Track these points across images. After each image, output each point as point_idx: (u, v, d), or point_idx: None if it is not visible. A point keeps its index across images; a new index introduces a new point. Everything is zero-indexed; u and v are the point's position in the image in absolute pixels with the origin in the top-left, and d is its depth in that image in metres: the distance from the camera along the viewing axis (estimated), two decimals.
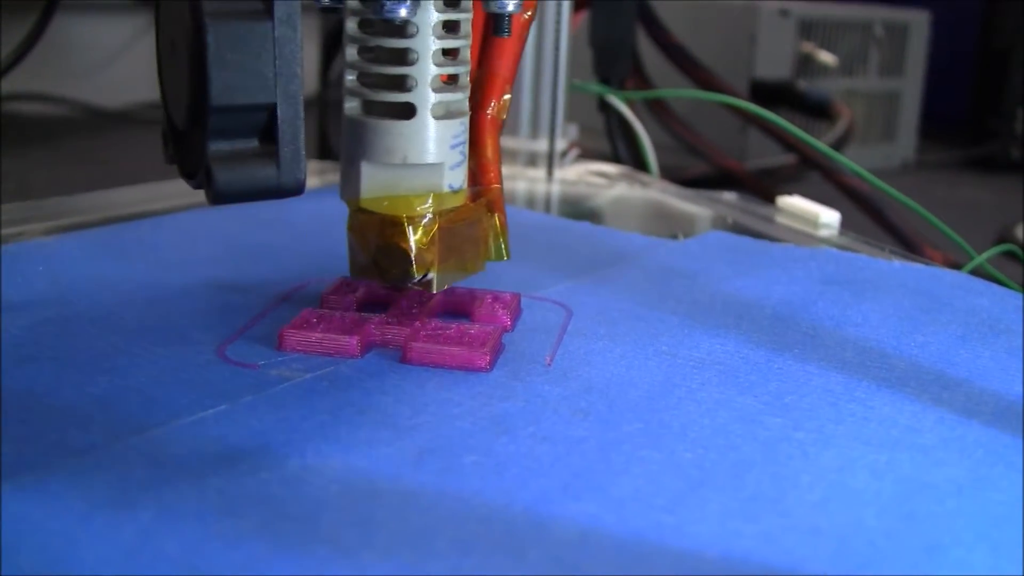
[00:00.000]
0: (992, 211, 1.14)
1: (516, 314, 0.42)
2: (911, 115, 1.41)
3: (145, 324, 0.40)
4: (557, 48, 0.74)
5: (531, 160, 0.76)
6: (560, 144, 0.76)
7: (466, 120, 0.39)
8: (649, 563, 0.26)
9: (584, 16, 0.86)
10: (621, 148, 0.89)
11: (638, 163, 0.84)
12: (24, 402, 0.33)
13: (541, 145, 0.75)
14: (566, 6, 0.75)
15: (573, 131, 0.78)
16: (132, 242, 0.51)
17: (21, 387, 0.34)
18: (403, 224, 0.37)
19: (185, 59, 0.31)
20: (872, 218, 0.93)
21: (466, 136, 0.39)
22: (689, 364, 0.39)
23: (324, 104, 0.82)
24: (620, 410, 0.34)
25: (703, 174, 1.08)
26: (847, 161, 0.62)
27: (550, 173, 0.75)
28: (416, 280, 0.38)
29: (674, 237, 0.58)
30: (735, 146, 1.19)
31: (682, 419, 0.34)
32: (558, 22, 0.74)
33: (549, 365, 0.38)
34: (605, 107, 0.87)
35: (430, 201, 0.38)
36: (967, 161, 1.44)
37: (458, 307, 0.42)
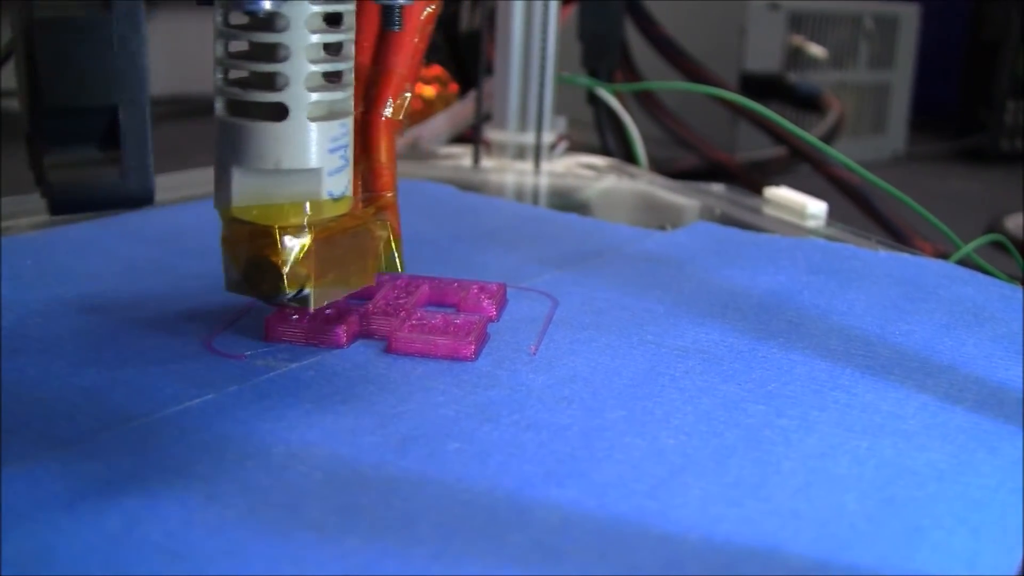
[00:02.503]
0: (982, 202, 1.14)
1: (502, 304, 0.42)
2: (901, 107, 1.42)
3: (133, 316, 0.40)
4: (545, 41, 0.74)
5: (519, 153, 0.76)
6: (548, 137, 0.76)
7: (348, 121, 0.36)
8: (631, 547, 0.26)
9: (573, 9, 0.86)
10: (610, 140, 0.89)
11: (627, 155, 0.84)
12: (12, 393, 0.33)
13: (529, 138, 0.75)
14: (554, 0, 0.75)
15: (562, 124, 0.78)
16: (120, 235, 0.51)
17: (9, 378, 0.34)
18: (274, 235, 0.34)
19: (23, 58, 0.29)
20: (862, 210, 0.94)
21: (349, 139, 0.36)
22: (674, 352, 0.39)
23: None
24: (604, 398, 0.35)
25: (693, 167, 1.09)
26: (836, 153, 0.62)
27: (538, 165, 0.75)
28: (290, 296, 0.35)
29: (662, 228, 0.58)
30: (725, 139, 1.19)
31: (665, 406, 0.34)
32: (546, 15, 0.74)
33: (534, 354, 0.38)
34: (594, 100, 0.87)
35: (307, 210, 0.35)
36: (957, 153, 1.44)
37: (444, 297, 0.42)
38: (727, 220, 0.61)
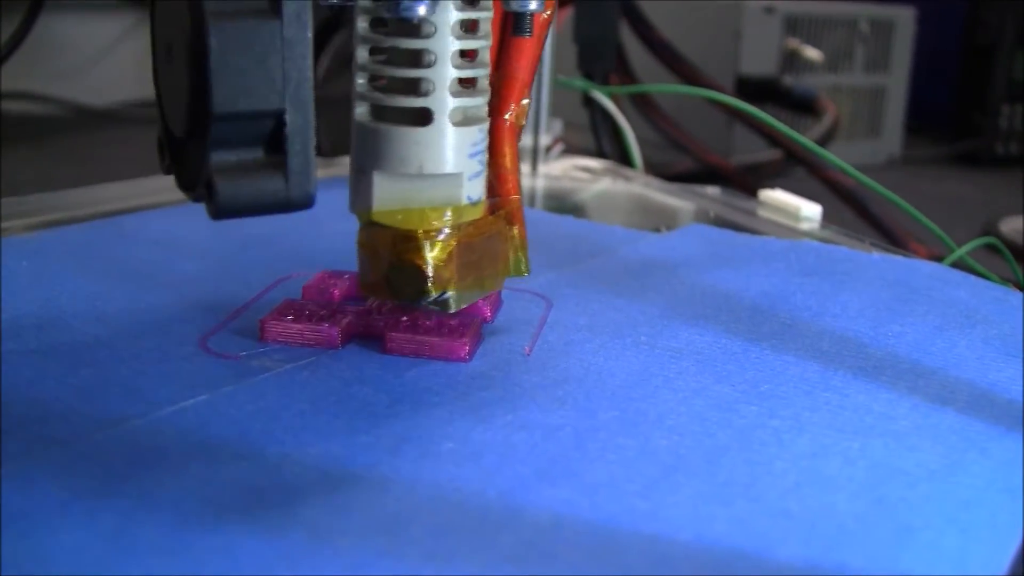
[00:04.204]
0: (977, 206, 1.15)
1: (497, 305, 0.42)
2: (896, 111, 1.42)
3: (128, 317, 0.40)
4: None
5: None
6: (545, 139, 0.76)
7: (485, 127, 0.36)
8: (622, 547, 0.26)
9: (568, 12, 0.87)
10: (606, 143, 0.89)
11: (623, 158, 0.84)
12: (7, 393, 0.33)
13: (525, 140, 0.75)
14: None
15: (558, 126, 0.78)
16: (116, 237, 0.51)
17: (5, 379, 0.34)
18: (418, 239, 0.35)
19: (184, 62, 0.29)
20: (857, 213, 0.94)
21: (485, 144, 0.37)
22: (667, 354, 0.39)
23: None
24: (597, 399, 0.35)
25: (688, 170, 1.09)
26: (831, 156, 0.62)
27: (534, 168, 0.75)
28: (432, 300, 0.36)
29: (656, 230, 0.58)
30: (721, 142, 1.19)
31: (658, 407, 0.34)
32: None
33: (528, 355, 0.38)
34: (590, 102, 0.87)
35: (448, 214, 0.35)
36: (952, 156, 1.44)
37: None
38: (721, 222, 0.61)
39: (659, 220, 0.64)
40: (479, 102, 0.36)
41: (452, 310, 0.36)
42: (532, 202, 0.70)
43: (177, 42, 0.29)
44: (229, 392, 0.34)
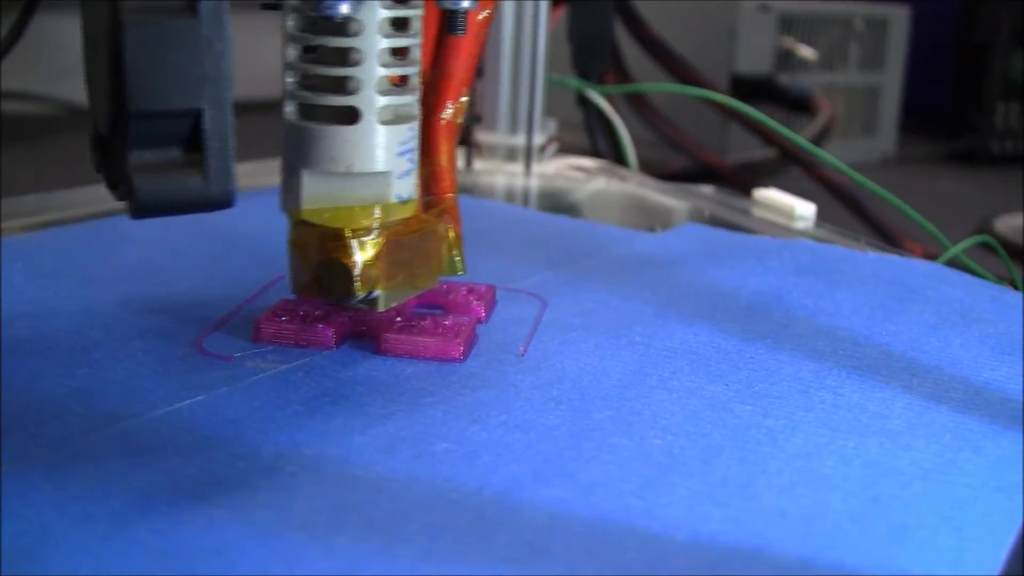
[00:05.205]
0: (972, 204, 1.15)
1: (491, 305, 0.42)
2: (891, 109, 1.42)
3: (124, 317, 0.40)
4: (535, 43, 0.74)
5: (510, 155, 0.76)
6: (539, 139, 0.76)
7: (416, 125, 0.36)
8: (617, 546, 0.26)
9: (563, 11, 0.87)
10: (600, 142, 0.89)
11: (617, 157, 0.84)
12: (4, 394, 0.33)
13: (519, 140, 0.76)
14: (544, 2, 0.75)
15: (552, 126, 0.78)
16: (112, 237, 0.51)
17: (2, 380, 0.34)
18: (345, 238, 0.35)
19: (104, 60, 0.28)
20: (852, 211, 0.94)
21: (416, 142, 0.36)
22: (662, 353, 0.39)
23: None
24: (592, 398, 0.35)
25: (683, 168, 1.09)
26: (825, 155, 0.62)
27: (528, 167, 0.75)
28: (360, 299, 0.36)
29: (651, 230, 0.58)
30: (717, 140, 1.19)
31: (653, 407, 0.34)
32: (536, 17, 0.74)
33: (522, 355, 0.38)
34: (584, 102, 0.87)
35: (377, 213, 0.35)
36: (947, 155, 1.44)
37: (433, 299, 0.42)
38: (716, 221, 0.61)
39: (653, 219, 0.64)
40: (409, 100, 0.36)
41: (381, 309, 0.37)
42: (526, 202, 0.70)
43: (100, 40, 0.29)
44: (224, 393, 0.34)
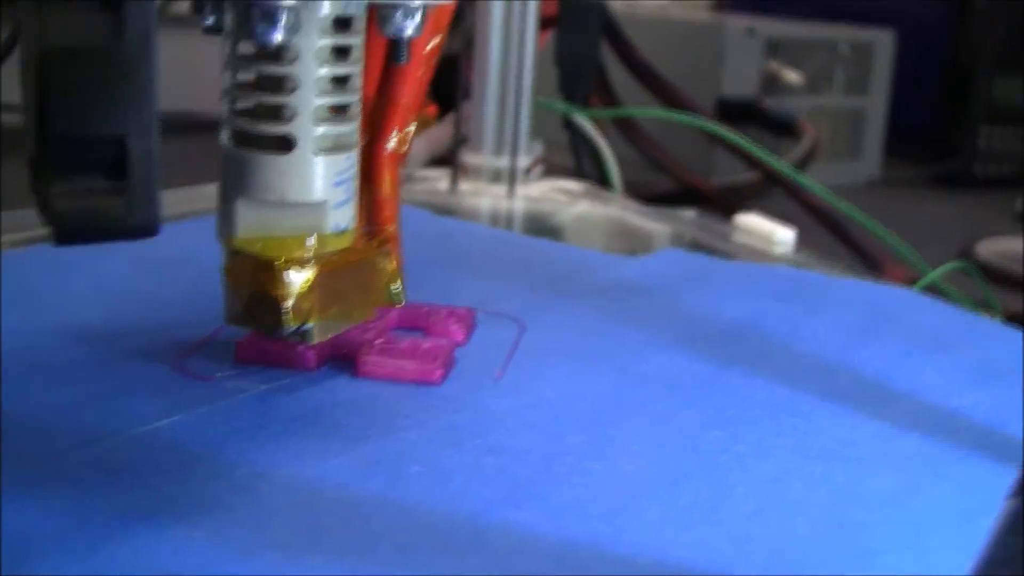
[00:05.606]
0: (956, 227, 1.15)
1: (470, 329, 0.43)
2: (876, 132, 1.43)
3: (105, 336, 0.40)
4: (522, 65, 0.75)
5: (495, 176, 0.77)
6: (524, 161, 0.77)
7: (354, 154, 0.35)
8: (584, 569, 0.27)
9: (550, 34, 0.87)
10: (586, 165, 0.90)
11: (603, 180, 0.85)
12: None
13: (505, 162, 0.76)
14: (531, 24, 0.76)
15: (538, 148, 0.79)
16: (96, 254, 0.51)
17: None
18: (276, 269, 0.34)
19: (30, 84, 0.28)
20: (835, 235, 0.95)
21: (354, 171, 0.35)
22: (638, 379, 0.40)
23: None
24: (566, 423, 0.35)
25: (669, 191, 1.09)
26: (805, 180, 0.63)
27: (512, 190, 0.76)
28: (292, 331, 0.35)
29: (632, 254, 0.59)
30: (703, 162, 1.20)
31: (626, 432, 0.35)
32: (522, 40, 0.75)
33: (499, 379, 0.39)
34: (570, 124, 0.88)
35: (311, 243, 0.34)
36: (932, 178, 1.45)
37: (413, 321, 0.43)
38: (697, 246, 0.62)
39: (635, 243, 0.64)
40: (347, 129, 0.35)
41: (313, 342, 0.36)
42: (510, 224, 0.71)
43: (27, 64, 0.28)
44: (204, 413, 0.34)
